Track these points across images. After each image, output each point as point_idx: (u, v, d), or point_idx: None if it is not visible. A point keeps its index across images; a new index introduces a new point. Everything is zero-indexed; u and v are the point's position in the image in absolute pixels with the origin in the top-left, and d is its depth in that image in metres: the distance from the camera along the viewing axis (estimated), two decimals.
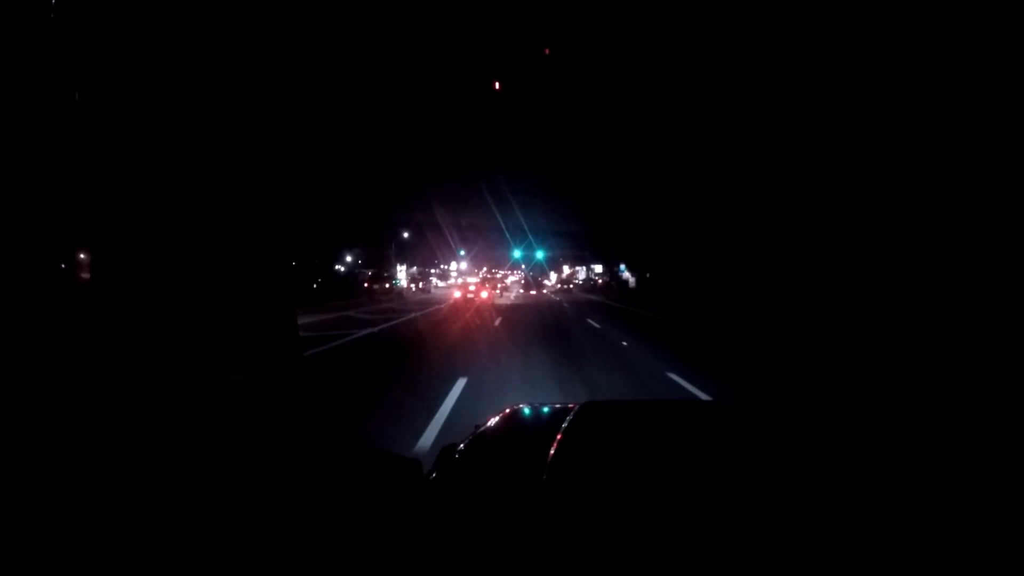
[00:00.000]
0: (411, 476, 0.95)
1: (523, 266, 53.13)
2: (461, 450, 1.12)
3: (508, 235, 51.43)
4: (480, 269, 72.03)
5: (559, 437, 1.07)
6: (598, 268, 51.36)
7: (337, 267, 35.82)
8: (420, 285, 45.31)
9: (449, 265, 66.53)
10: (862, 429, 1.20)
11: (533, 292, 39.45)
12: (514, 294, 39.82)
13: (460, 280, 58.97)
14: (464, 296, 25.55)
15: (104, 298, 0.72)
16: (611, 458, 1.02)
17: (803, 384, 5.83)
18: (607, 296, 32.98)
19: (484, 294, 25.77)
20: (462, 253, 54.72)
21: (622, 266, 40.14)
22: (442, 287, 55.30)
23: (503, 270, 74.61)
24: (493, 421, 1.32)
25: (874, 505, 0.78)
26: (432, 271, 68.37)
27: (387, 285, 32.18)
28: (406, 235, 47.25)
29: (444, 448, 1.24)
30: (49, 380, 0.67)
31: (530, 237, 51.03)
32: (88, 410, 0.69)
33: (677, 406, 1.69)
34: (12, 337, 0.64)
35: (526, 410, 1.51)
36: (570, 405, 1.35)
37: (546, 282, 54.70)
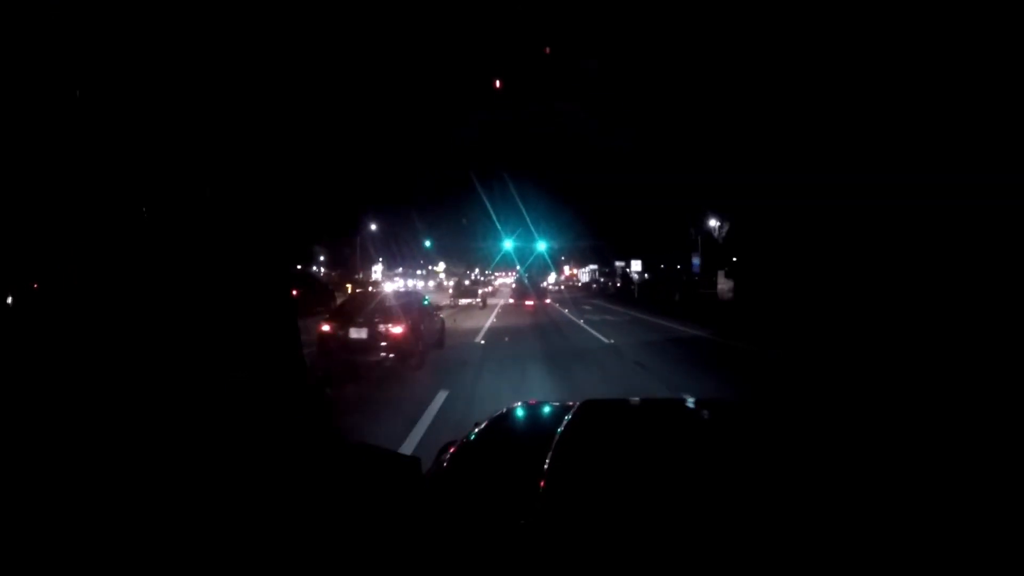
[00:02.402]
0: (410, 474, 0.93)
1: (518, 267, 38.54)
2: (461, 448, 1.12)
3: (499, 225, 38.34)
4: (472, 269, 60.53)
5: (559, 435, 1.06)
6: (636, 266, 34.27)
7: (314, 268, 31.70)
8: None
9: (437, 265, 57.79)
10: (864, 430, 1.17)
11: (530, 302, 23.76)
12: (501, 304, 24.14)
13: (443, 280, 45.80)
14: (338, 335, 7.43)
15: (107, 295, 0.70)
16: (611, 456, 1.02)
17: None
18: (679, 316, 16.51)
19: (398, 329, 7.37)
20: (428, 244, 41.37)
21: (695, 261, 24.67)
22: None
23: (498, 271, 61.45)
24: (493, 419, 1.33)
25: (872, 505, 0.77)
26: (419, 272, 59.83)
27: None
28: (373, 227, 39.06)
29: (444, 446, 1.24)
30: (50, 374, 0.66)
31: (528, 222, 37.49)
32: (89, 404, 0.67)
33: (677, 405, 1.76)
34: (13, 332, 0.64)
35: (526, 408, 1.52)
36: (570, 403, 1.35)
37: (544, 285, 38.54)
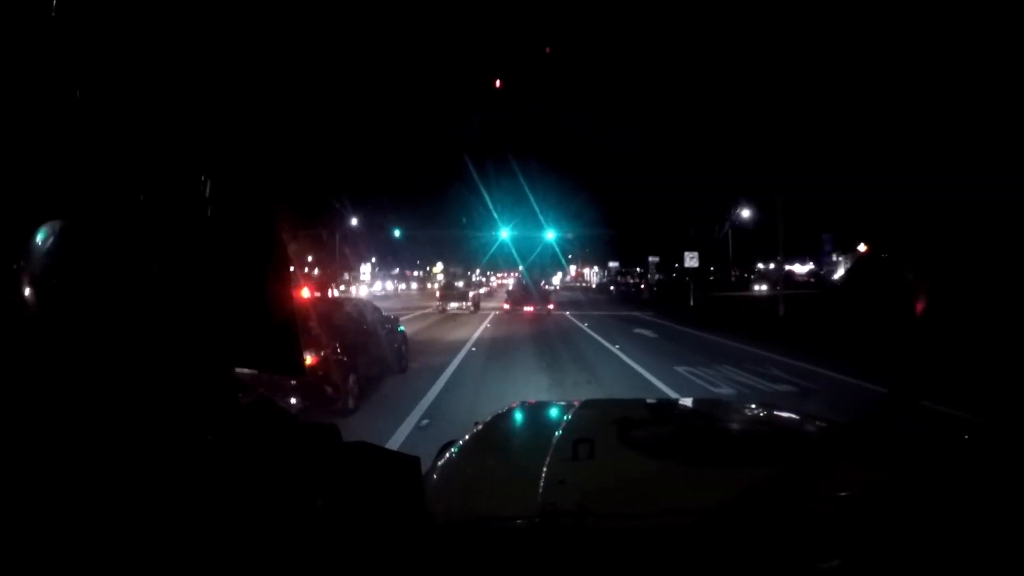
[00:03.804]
0: (410, 473, 0.93)
1: (520, 267, 34.86)
2: (461, 447, 1.13)
3: (498, 221, 34.93)
4: (471, 269, 57.77)
5: (559, 435, 1.06)
6: (692, 261, 25.05)
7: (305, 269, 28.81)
8: None
9: (433, 266, 54.67)
10: (869, 434, 1.19)
11: (529, 308, 19.72)
12: (495, 313, 19.15)
13: (438, 280, 42.80)
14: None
15: (104, 292, 0.69)
16: (611, 456, 1.03)
17: None
18: None
19: (308, 359, 4.84)
20: (397, 233, 37.20)
21: (827, 246, 16.83)
22: None
23: (499, 273, 58.67)
24: (493, 418, 1.35)
25: (874, 508, 0.78)
26: (415, 273, 58.40)
27: None
28: (355, 222, 34.16)
29: (444, 445, 1.23)
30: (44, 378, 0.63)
31: (532, 216, 33.82)
32: (86, 408, 0.65)
33: (676, 405, 1.83)
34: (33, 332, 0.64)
35: (527, 408, 1.56)
36: (570, 403, 1.41)
37: (548, 288, 33.59)
